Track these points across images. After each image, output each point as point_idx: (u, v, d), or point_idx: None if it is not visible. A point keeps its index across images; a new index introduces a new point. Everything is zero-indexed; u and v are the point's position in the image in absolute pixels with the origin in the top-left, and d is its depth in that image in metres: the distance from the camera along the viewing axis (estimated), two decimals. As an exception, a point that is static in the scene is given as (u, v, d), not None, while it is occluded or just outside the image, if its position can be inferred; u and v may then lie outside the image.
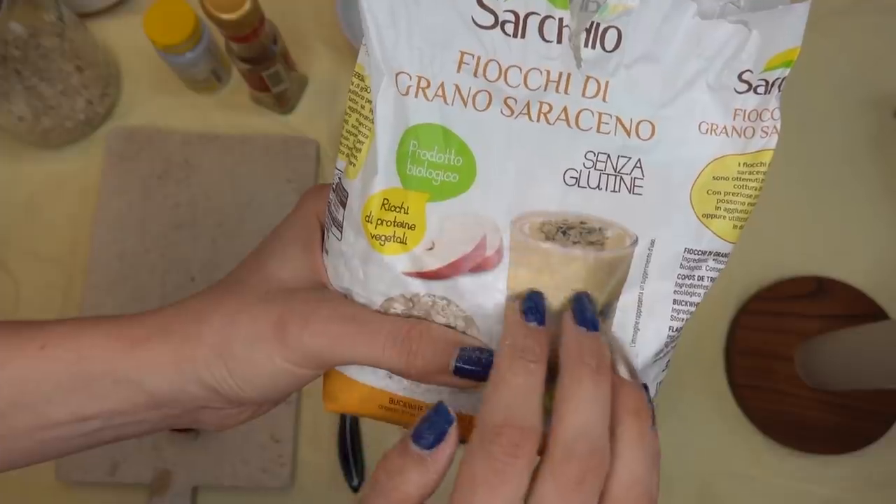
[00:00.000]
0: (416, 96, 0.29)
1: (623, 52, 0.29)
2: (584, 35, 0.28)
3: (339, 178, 0.32)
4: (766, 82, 0.30)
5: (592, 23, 0.28)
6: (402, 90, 0.29)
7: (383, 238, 0.29)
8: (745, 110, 0.30)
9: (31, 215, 0.70)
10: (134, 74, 0.74)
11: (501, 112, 0.29)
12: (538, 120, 0.29)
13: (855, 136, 0.75)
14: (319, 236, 0.34)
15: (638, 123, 0.29)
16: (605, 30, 0.28)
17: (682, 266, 0.31)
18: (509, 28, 0.28)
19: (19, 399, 0.29)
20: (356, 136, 0.31)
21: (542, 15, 0.28)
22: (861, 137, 0.75)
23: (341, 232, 0.31)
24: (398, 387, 0.33)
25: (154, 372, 0.30)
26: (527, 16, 0.28)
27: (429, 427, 0.27)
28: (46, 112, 0.66)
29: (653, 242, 0.30)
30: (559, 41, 0.29)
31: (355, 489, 0.65)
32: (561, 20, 0.28)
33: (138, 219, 0.69)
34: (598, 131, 0.29)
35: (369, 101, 0.30)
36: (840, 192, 0.73)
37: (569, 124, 0.29)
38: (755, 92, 0.30)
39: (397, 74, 0.29)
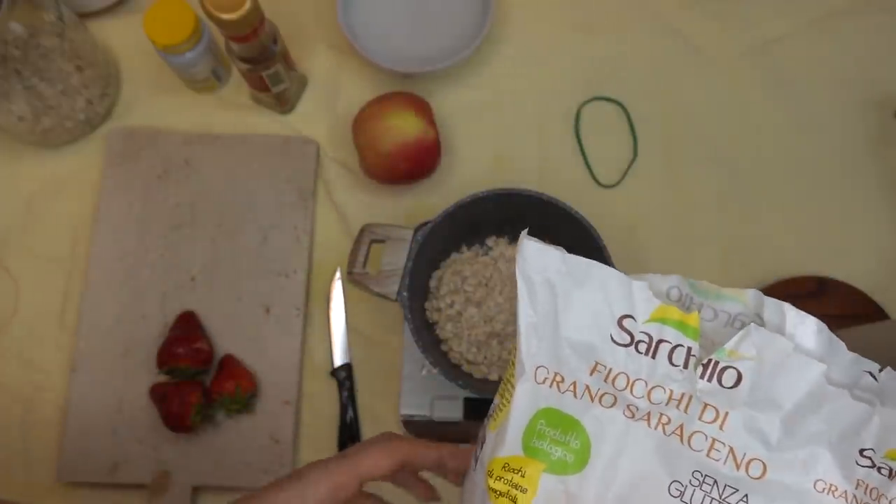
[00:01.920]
0: (549, 386, 0.33)
1: (742, 390, 0.31)
2: (700, 368, 0.31)
3: (490, 415, 0.36)
4: (890, 469, 0.30)
5: (710, 359, 0.31)
6: (538, 380, 0.33)
7: (498, 493, 0.33)
8: (867, 484, 0.30)
9: (31, 215, 0.70)
10: (134, 74, 0.74)
11: (624, 413, 0.32)
12: (656, 428, 0.32)
13: (856, 137, 0.75)
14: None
15: (750, 460, 0.31)
16: (724, 368, 0.31)
17: None
18: (642, 347, 0.32)
19: None
20: (505, 389, 0.35)
21: (673, 343, 0.32)
22: (862, 138, 0.75)
23: (476, 463, 0.36)
24: None
25: None
26: (657, 340, 0.32)
27: None
28: (46, 112, 0.66)
29: None
30: (685, 367, 0.31)
31: (355, 489, 0.65)
32: (689, 349, 0.31)
33: (138, 219, 0.69)
34: (707, 455, 0.31)
35: (514, 376, 0.34)
36: (840, 193, 0.73)
37: (682, 441, 0.31)
38: (878, 472, 0.30)
39: (536, 368, 0.33)
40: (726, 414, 0.31)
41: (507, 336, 0.64)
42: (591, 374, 0.33)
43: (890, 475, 0.30)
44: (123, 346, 0.66)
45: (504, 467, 0.33)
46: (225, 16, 0.57)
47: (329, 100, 0.74)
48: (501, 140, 0.74)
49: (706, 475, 0.31)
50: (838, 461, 0.30)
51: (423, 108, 0.67)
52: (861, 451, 0.30)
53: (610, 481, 0.32)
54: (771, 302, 0.32)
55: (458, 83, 0.75)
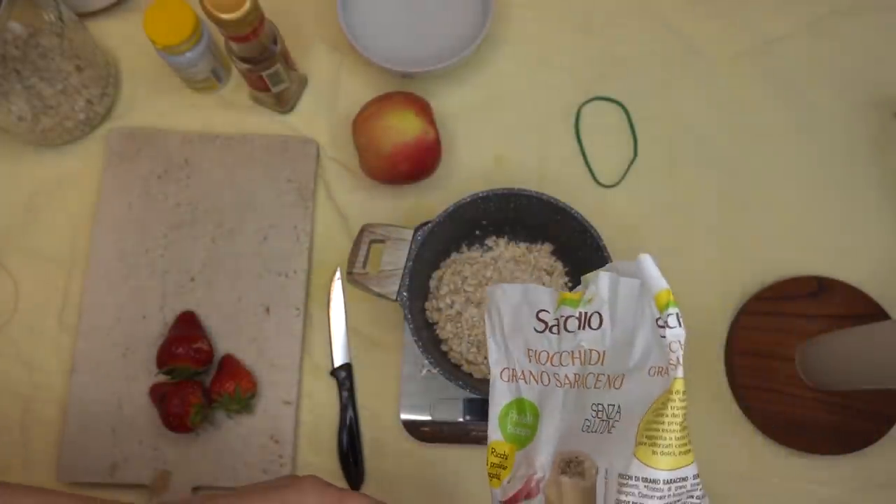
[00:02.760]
0: (509, 381, 0.43)
1: (606, 328, 0.40)
2: (576, 322, 0.41)
3: None
4: (666, 322, 0.37)
5: (582, 312, 0.41)
6: (504, 378, 0.43)
7: (491, 475, 0.42)
8: (668, 349, 0.37)
9: (31, 215, 0.70)
10: (134, 74, 0.74)
11: (555, 385, 0.42)
12: (573, 386, 0.41)
13: (855, 137, 0.75)
14: None
15: (616, 377, 0.39)
16: (591, 315, 0.41)
17: (619, 491, 0.36)
18: (554, 329, 0.42)
19: None
20: None
21: (566, 315, 0.41)
22: (862, 138, 0.75)
23: None
24: None
25: None
26: (560, 318, 0.42)
27: None
28: (46, 112, 0.66)
29: (606, 471, 0.37)
30: (576, 329, 0.41)
31: (355, 489, 0.65)
32: (575, 315, 0.41)
33: (138, 219, 0.69)
34: (595, 387, 0.40)
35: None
36: (840, 193, 0.73)
37: (585, 386, 0.40)
38: (667, 333, 0.37)
39: (501, 371, 0.43)
40: (604, 352, 0.40)
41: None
42: (528, 360, 0.42)
43: (666, 326, 0.37)
44: (123, 346, 0.66)
45: (492, 452, 0.42)
46: (225, 16, 0.57)
47: (329, 100, 0.74)
48: (501, 140, 0.74)
49: (598, 404, 0.39)
50: (657, 343, 0.38)
51: (423, 108, 0.67)
52: (656, 322, 0.38)
53: (551, 438, 0.40)
54: (611, 265, 0.42)
55: (458, 83, 0.75)
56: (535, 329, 0.43)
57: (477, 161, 0.73)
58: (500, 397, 0.43)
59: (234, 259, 0.68)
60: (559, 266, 0.67)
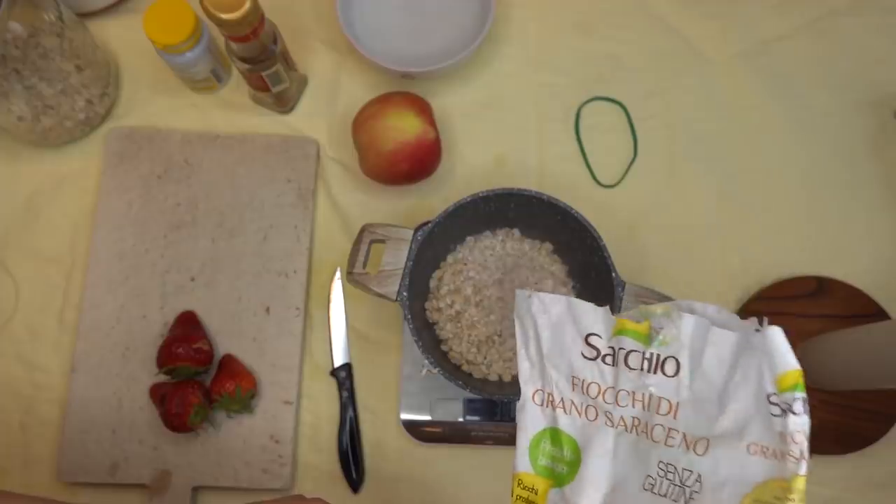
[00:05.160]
0: (545, 406, 0.39)
1: (683, 377, 0.36)
2: (646, 363, 0.36)
3: None
4: (788, 405, 0.33)
5: (653, 353, 0.36)
6: (537, 402, 0.39)
7: None
8: (782, 433, 0.33)
9: (31, 215, 0.70)
10: (134, 74, 0.74)
11: (605, 423, 0.37)
12: (630, 431, 0.37)
13: (855, 137, 0.75)
14: None
15: (696, 441, 0.35)
16: (665, 359, 0.36)
17: None
18: (608, 360, 0.38)
19: None
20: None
21: (628, 349, 0.37)
22: (861, 138, 0.75)
23: None
24: None
25: None
26: (618, 350, 0.37)
27: None
28: (46, 112, 0.66)
29: None
30: (641, 369, 0.37)
31: (355, 489, 0.65)
32: (643, 353, 0.37)
33: (138, 219, 0.69)
34: (665, 444, 0.35)
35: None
36: (840, 192, 0.73)
37: (648, 436, 0.36)
38: (784, 416, 0.33)
39: (534, 392, 0.39)
40: (677, 404, 0.36)
41: (508, 336, 0.64)
42: (572, 389, 0.38)
43: (786, 412, 0.33)
44: (123, 346, 0.66)
45: (519, 484, 0.39)
46: (225, 16, 0.57)
47: (329, 100, 0.74)
48: (501, 140, 0.74)
49: (668, 463, 0.35)
50: (762, 419, 0.34)
51: (423, 108, 0.67)
52: (769, 399, 0.34)
53: (598, 484, 0.36)
54: (683, 302, 0.38)
55: (458, 83, 0.75)
56: (584, 355, 0.38)
57: (477, 161, 0.73)
58: (530, 422, 0.39)
59: (234, 259, 0.68)
60: (559, 266, 0.67)
